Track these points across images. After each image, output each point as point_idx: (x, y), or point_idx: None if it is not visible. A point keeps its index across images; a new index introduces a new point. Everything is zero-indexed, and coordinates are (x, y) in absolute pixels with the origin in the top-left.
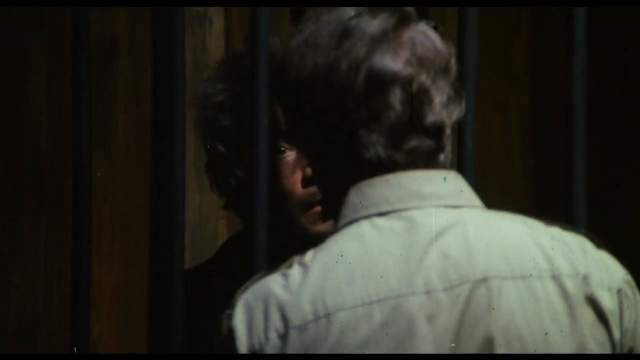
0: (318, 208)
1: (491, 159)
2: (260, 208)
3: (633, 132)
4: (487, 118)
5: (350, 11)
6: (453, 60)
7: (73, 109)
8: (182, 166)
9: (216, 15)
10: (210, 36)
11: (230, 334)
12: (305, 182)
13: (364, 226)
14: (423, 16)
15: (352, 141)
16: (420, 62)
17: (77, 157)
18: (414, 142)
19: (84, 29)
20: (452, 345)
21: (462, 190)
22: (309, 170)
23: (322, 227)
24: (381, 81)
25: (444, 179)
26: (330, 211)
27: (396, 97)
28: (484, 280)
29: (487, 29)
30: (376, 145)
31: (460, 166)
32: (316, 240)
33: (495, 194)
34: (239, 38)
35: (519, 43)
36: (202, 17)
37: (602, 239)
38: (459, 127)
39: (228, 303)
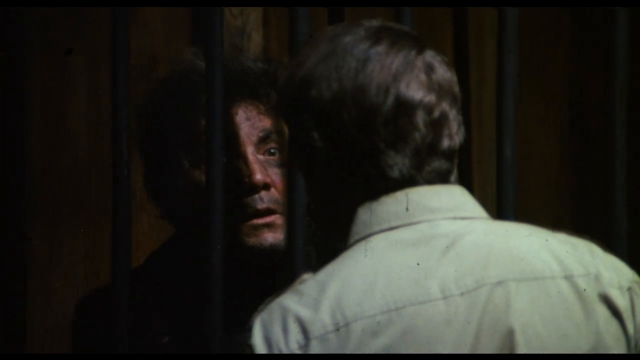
0: (256, 220)
1: (530, 171)
2: (298, 216)
3: None
4: (526, 131)
5: (364, 34)
6: (458, 88)
7: (112, 122)
8: (220, 174)
9: (254, 30)
10: (248, 51)
11: (250, 351)
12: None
13: (376, 240)
14: (463, 22)
15: (377, 160)
16: (440, 88)
17: (116, 167)
18: (435, 164)
19: (123, 44)
20: (472, 345)
21: (468, 203)
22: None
23: (255, 240)
24: (409, 105)
25: (451, 192)
26: (336, 230)
27: (421, 120)
28: (500, 283)
29: (526, 41)
30: (401, 166)
31: (499, 175)
32: (254, 253)
33: (535, 206)
34: (277, 52)
35: (558, 55)
36: (240, 32)
37: None
38: (498, 137)
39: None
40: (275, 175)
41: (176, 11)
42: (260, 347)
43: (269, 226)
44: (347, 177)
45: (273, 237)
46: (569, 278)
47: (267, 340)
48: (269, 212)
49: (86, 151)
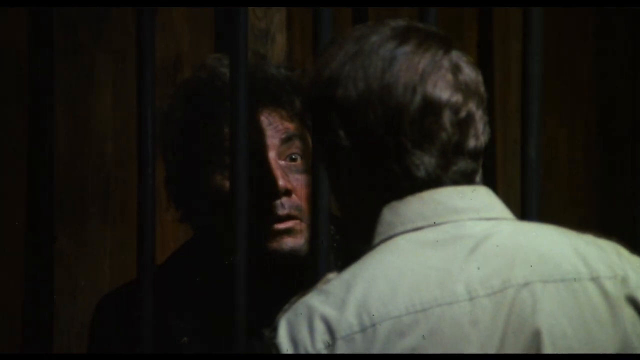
0: (277, 225)
1: (555, 172)
2: (322, 218)
3: None
4: (550, 132)
5: (391, 34)
6: (483, 88)
7: (138, 120)
8: (245, 175)
9: (278, 32)
10: (272, 53)
11: (276, 351)
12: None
13: (401, 241)
14: (488, 22)
15: (403, 160)
16: (467, 88)
17: (141, 168)
18: (461, 164)
19: (149, 46)
20: (497, 346)
21: (494, 204)
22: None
23: (275, 244)
24: (436, 104)
25: (477, 193)
26: (361, 230)
27: (448, 119)
28: (526, 284)
29: (551, 41)
30: (427, 165)
31: (523, 176)
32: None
33: (560, 207)
34: (301, 54)
35: (584, 56)
36: (264, 34)
37: None
38: (522, 138)
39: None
40: (296, 181)
41: (200, 12)
42: (286, 347)
43: (289, 231)
44: (373, 177)
45: (293, 242)
46: (595, 280)
47: (293, 340)
48: (289, 217)
49: (112, 151)
